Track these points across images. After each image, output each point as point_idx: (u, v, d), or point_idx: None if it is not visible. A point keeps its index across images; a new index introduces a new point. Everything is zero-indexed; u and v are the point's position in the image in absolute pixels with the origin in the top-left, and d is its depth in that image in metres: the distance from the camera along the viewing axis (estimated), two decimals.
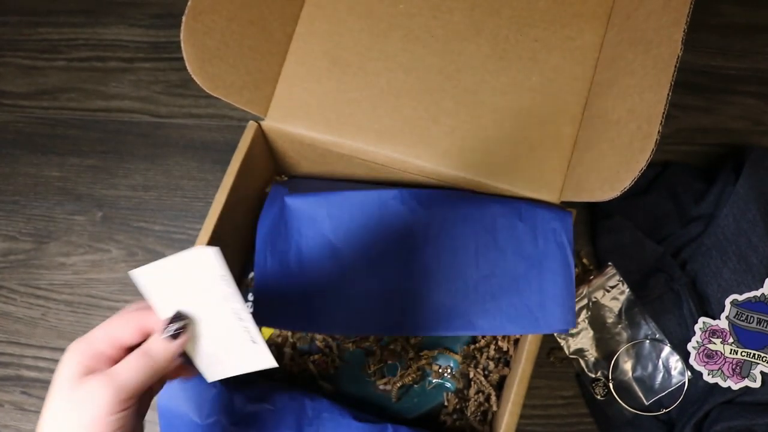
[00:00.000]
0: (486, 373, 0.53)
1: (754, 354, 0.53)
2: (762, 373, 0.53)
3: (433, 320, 0.47)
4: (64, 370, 0.32)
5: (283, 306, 0.48)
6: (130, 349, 0.33)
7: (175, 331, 0.33)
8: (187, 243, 0.62)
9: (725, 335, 0.54)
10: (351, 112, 0.49)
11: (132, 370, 0.32)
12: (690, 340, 0.54)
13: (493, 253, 0.46)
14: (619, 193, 0.39)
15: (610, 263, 0.56)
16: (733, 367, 0.53)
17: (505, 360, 0.53)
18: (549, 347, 0.57)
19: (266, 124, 0.50)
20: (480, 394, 0.52)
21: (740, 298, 0.53)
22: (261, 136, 0.51)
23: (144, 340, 0.34)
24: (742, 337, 0.53)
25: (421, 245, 0.47)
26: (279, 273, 0.49)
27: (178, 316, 0.34)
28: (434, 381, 0.52)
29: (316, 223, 0.49)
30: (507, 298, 0.46)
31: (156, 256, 0.62)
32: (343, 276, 0.48)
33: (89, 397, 0.31)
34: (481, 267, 0.46)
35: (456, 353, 0.52)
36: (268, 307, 0.48)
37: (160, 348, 0.33)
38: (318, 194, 0.49)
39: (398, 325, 0.47)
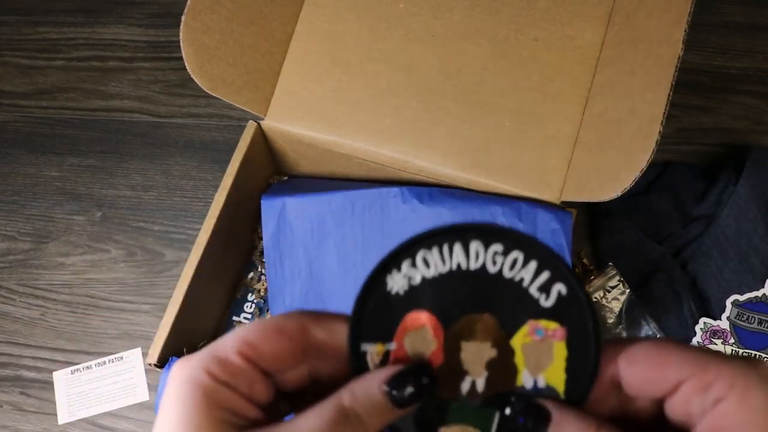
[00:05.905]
0: None
1: (756, 355, 0.53)
2: None
3: None
4: (182, 409, 0.19)
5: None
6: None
7: (408, 396, 0.19)
8: (187, 243, 0.62)
9: (726, 336, 0.53)
10: (351, 112, 0.49)
11: None
12: (691, 341, 0.54)
13: None
14: (619, 194, 0.39)
15: (610, 263, 0.56)
16: None
17: None
18: None
19: (266, 123, 0.50)
20: None
21: (741, 298, 0.53)
22: (260, 135, 0.51)
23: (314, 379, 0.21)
24: (744, 337, 0.53)
25: None
26: (290, 277, 0.50)
27: (416, 371, 0.20)
28: None
29: (320, 223, 0.50)
30: None
31: (155, 256, 0.62)
32: (349, 274, 0.49)
33: None
34: None
35: None
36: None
37: (373, 411, 0.19)
38: (318, 194, 0.50)
39: None
